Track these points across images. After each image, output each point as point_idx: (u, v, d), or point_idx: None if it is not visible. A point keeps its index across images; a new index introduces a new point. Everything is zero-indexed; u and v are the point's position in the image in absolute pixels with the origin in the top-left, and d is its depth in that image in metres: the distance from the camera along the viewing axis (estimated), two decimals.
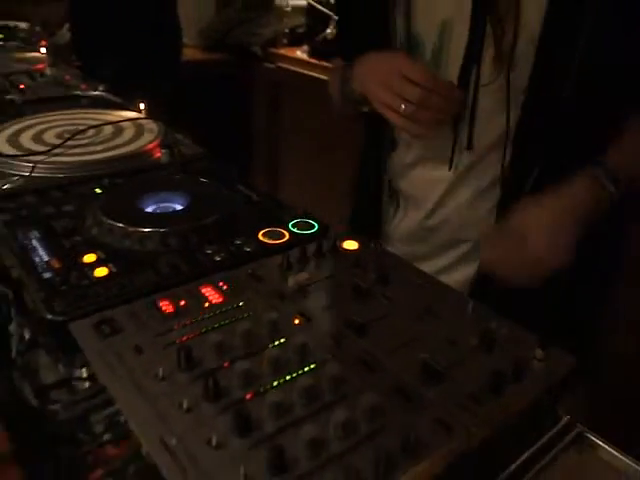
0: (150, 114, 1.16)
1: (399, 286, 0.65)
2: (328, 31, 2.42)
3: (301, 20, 2.72)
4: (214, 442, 0.44)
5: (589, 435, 0.55)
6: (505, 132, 0.86)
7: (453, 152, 0.91)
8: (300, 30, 2.72)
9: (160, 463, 0.43)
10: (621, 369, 1.39)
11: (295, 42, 2.70)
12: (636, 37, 0.76)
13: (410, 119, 0.82)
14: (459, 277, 0.98)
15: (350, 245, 0.73)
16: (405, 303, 0.62)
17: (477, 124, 0.89)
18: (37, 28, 2.57)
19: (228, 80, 2.77)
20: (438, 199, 0.97)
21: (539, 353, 0.55)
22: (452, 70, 0.88)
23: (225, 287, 0.63)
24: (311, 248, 0.70)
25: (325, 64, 2.39)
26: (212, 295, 0.62)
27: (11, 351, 0.58)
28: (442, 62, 0.89)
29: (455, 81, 0.87)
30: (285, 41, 2.72)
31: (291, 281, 0.63)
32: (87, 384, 0.57)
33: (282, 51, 2.70)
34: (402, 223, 1.05)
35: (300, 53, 2.63)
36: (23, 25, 2.58)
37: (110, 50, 2.22)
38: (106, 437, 0.49)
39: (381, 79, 0.84)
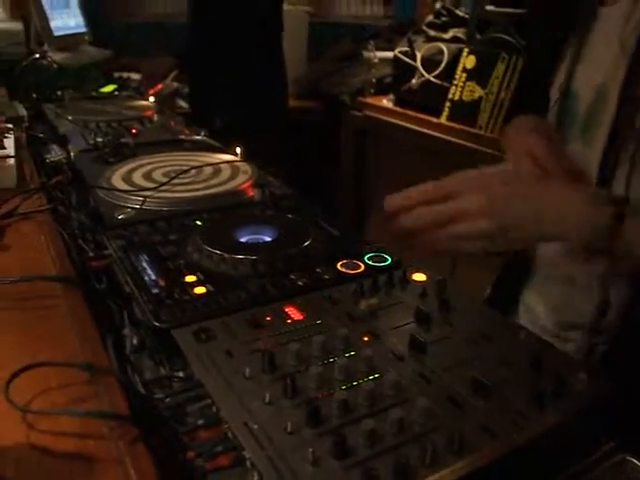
0: (245, 157, 1.29)
1: (459, 314, 0.72)
2: (413, 81, 2.53)
3: (388, 71, 2.85)
4: (289, 429, 0.53)
5: (633, 460, 0.60)
6: None
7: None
8: (387, 80, 2.85)
9: (244, 443, 0.52)
10: None
11: (382, 91, 2.83)
12: None
13: None
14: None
15: (419, 277, 0.81)
16: (463, 328, 0.69)
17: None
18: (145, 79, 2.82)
19: (319, 126, 2.93)
20: None
21: (583, 376, 0.60)
22: (598, 140, 0.83)
23: (305, 308, 0.73)
24: (383, 278, 0.79)
25: (409, 112, 2.50)
26: (294, 313, 0.71)
27: (125, 349, 0.70)
28: (592, 130, 0.84)
29: (600, 155, 0.82)
30: (372, 90, 2.85)
31: (362, 305, 0.72)
32: (185, 383, 0.67)
33: (369, 100, 2.83)
34: None
35: (386, 102, 2.76)
36: (135, 76, 2.84)
37: (223, 102, 2.40)
38: (200, 422, 0.58)
39: (514, 146, 0.84)
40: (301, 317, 0.71)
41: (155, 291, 0.78)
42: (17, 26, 2.67)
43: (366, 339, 0.67)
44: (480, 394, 0.58)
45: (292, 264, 0.83)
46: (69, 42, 2.56)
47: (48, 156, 1.41)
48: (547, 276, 0.98)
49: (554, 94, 0.91)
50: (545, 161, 0.78)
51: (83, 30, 2.76)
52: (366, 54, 2.90)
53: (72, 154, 1.38)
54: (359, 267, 0.83)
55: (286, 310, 0.72)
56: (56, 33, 2.42)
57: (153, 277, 0.82)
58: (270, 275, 0.80)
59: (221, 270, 0.82)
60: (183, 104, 2.76)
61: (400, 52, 2.65)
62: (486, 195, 0.69)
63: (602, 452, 0.61)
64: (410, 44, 2.59)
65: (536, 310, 0.99)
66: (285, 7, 2.64)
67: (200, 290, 0.77)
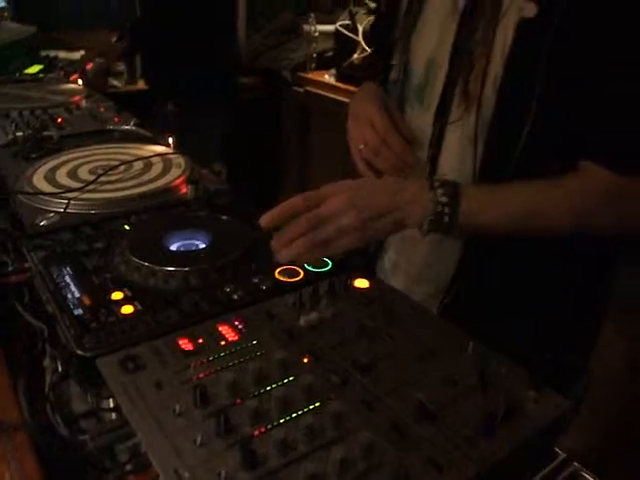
0: (177, 148, 1.22)
1: (404, 325, 0.69)
2: (355, 56, 2.47)
3: (329, 45, 2.78)
4: (223, 476, 0.49)
5: (585, 474, 0.58)
6: (472, 169, 0.88)
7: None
8: (328, 54, 2.78)
9: None
10: None
11: (323, 66, 2.76)
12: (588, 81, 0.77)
13: (363, 161, 0.93)
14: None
15: (361, 283, 0.77)
16: (408, 342, 0.66)
17: (445, 162, 0.92)
18: (80, 57, 2.67)
19: (259, 104, 2.85)
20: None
21: (532, 395, 0.58)
22: (433, 107, 0.92)
23: (241, 325, 0.68)
24: (323, 286, 0.75)
25: (351, 88, 2.45)
26: (229, 333, 0.67)
27: (45, 384, 0.64)
28: (425, 98, 0.94)
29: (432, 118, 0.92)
30: (313, 66, 2.78)
31: (302, 320, 0.68)
32: (113, 415, 0.62)
33: (310, 75, 2.76)
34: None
35: (328, 77, 2.69)
36: (63, 54, 2.69)
37: (177, 80, 2.30)
38: (128, 467, 0.54)
39: (358, 113, 0.95)
40: (236, 337, 0.66)
41: (78, 312, 0.72)
42: None
43: (306, 360, 0.63)
44: (426, 420, 0.55)
45: (227, 274, 0.78)
46: None
47: None
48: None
49: (395, 61, 0.99)
50: (381, 129, 0.90)
51: (1, 4, 2.60)
52: (306, 27, 2.82)
53: None
54: (298, 274, 0.79)
55: (220, 329, 0.67)
56: None
57: (77, 294, 0.76)
58: (203, 288, 0.75)
59: (150, 284, 0.76)
60: (116, 83, 2.63)
61: (341, 25, 2.59)
62: (347, 195, 0.77)
63: (554, 465, 0.59)
64: (351, 17, 2.52)
65: (400, 262, 1.03)
66: None
67: (127, 309, 0.71)
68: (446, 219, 0.78)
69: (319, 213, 0.76)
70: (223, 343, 0.65)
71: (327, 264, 0.80)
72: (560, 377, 0.72)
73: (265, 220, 0.77)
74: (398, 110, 0.97)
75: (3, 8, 2.61)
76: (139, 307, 0.72)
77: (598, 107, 0.78)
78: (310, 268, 0.80)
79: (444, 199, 0.78)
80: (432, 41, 0.91)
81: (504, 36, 0.81)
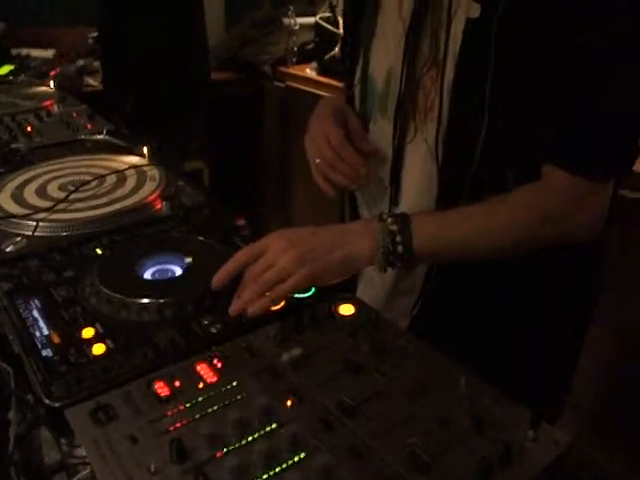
0: (153, 158, 1.17)
1: (393, 358, 0.65)
2: (336, 49, 2.42)
3: (310, 38, 2.72)
4: None
5: None
6: (434, 181, 0.86)
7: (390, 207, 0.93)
8: (309, 48, 2.72)
9: None
10: None
11: (304, 60, 2.70)
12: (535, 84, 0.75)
13: (321, 175, 0.91)
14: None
15: (347, 310, 0.73)
16: (398, 378, 0.62)
17: (407, 175, 0.90)
18: (51, 56, 2.59)
19: (239, 99, 2.78)
20: None
21: (531, 434, 0.55)
22: (390, 113, 0.90)
23: (219, 364, 0.64)
24: (307, 315, 0.71)
25: (333, 82, 2.40)
26: (207, 373, 0.63)
27: (9, 441, 0.59)
28: (388, 109, 0.91)
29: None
30: (294, 59, 2.72)
31: (285, 357, 0.64)
32: (85, 470, 0.58)
33: (291, 70, 2.70)
34: None
35: (309, 71, 2.63)
36: (36, 52, 2.61)
37: (136, 78, 2.20)
38: None
39: (314, 130, 0.94)
40: (215, 379, 0.62)
41: (47, 353, 0.67)
42: None
43: (289, 403, 0.59)
44: (419, 471, 0.51)
45: (204, 305, 0.73)
46: None
47: None
48: None
49: (356, 77, 0.97)
50: (335, 143, 0.89)
51: None
52: (286, 20, 2.75)
53: None
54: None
55: (198, 369, 0.63)
56: None
57: (45, 331, 0.71)
58: (179, 321, 0.71)
59: (123, 317, 0.72)
60: (92, 82, 2.55)
61: (321, 18, 2.53)
62: (286, 237, 0.75)
63: None
64: (332, 9, 2.47)
65: (374, 279, 1.00)
66: None
67: (99, 349, 0.67)
68: (399, 248, 0.75)
69: (260, 262, 0.74)
70: (201, 386, 0.61)
71: (310, 289, 0.76)
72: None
73: (216, 281, 0.74)
74: (360, 121, 0.95)
75: None
76: (111, 345, 0.68)
77: (550, 105, 0.75)
78: (292, 294, 0.76)
79: (394, 227, 0.75)
80: (390, 51, 0.89)
81: (453, 41, 0.79)
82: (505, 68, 0.74)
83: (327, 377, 0.62)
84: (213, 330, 0.70)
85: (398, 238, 0.75)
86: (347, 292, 0.77)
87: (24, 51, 2.60)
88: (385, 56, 0.90)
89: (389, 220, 0.76)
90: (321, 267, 0.73)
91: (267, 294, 0.72)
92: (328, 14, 2.45)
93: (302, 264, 0.72)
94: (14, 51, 2.57)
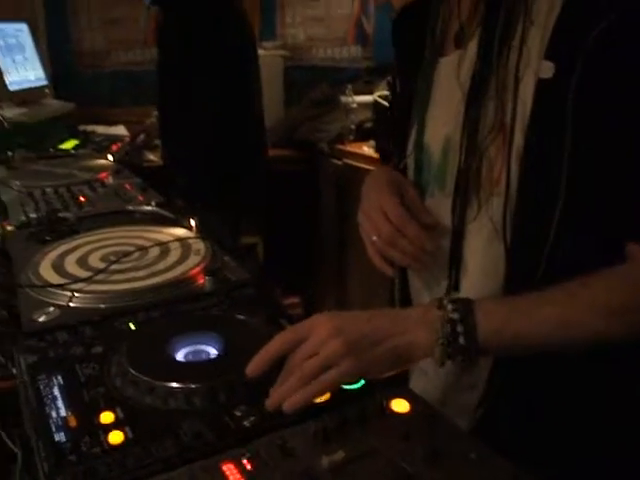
0: (200, 231, 1.12)
1: (452, 467, 0.54)
2: None
3: (367, 115, 2.71)
4: None
5: None
6: (502, 264, 0.76)
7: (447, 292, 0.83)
8: (367, 126, 2.71)
9: None
10: None
11: (362, 138, 2.69)
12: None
13: (379, 253, 0.83)
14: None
15: (400, 406, 0.63)
16: None
17: (470, 257, 0.81)
18: (114, 132, 2.66)
19: (296, 177, 2.78)
20: None
21: None
22: (449, 186, 0.82)
23: (249, 465, 0.55)
24: (353, 411, 0.61)
25: None
26: (233, 475, 0.54)
27: None
28: (447, 181, 0.83)
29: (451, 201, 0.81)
30: (352, 137, 2.71)
31: (325, 461, 0.54)
32: None
33: (349, 147, 2.69)
34: None
35: (367, 148, 2.61)
36: (100, 129, 2.69)
37: (192, 155, 2.18)
38: None
39: (368, 204, 0.86)
40: None
41: (59, 437, 0.60)
42: None
43: None
44: None
45: (238, 393, 0.65)
46: (28, 96, 2.41)
47: None
48: None
49: (410, 145, 0.91)
50: (394, 217, 0.81)
51: (44, 83, 2.62)
52: (344, 99, 2.76)
53: (7, 230, 1.21)
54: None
55: (224, 469, 0.54)
56: (12, 88, 2.28)
57: (63, 412, 0.64)
58: (209, 411, 0.63)
59: (147, 404, 0.64)
60: (152, 157, 2.60)
61: (380, 96, 2.52)
62: (333, 323, 0.66)
63: None
64: (390, 87, 2.46)
65: (429, 372, 0.89)
66: (259, 52, 2.50)
67: (116, 438, 0.59)
68: (461, 340, 0.65)
69: (303, 349, 0.65)
70: None
71: (359, 380, 0.67)
72: None
73: (251, 369, 0.66)
74: (418, 192, 0.87)
75: (45, 86, 2.63)
76: (130, 434, 0.60)
77: (638, 179, 0.66)
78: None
79: (456, 315, 0.66)
80: (447, 119, 0.82)
81: (522, 105, 0.71)
82: (584, 135, 0.66)
83: None
84: (246, 423, 0.61)
85: (460, 328, 0.65)
86: (401, 384, 0.68)
87: (90, 127, 2.68)
88: (442, 124, 0.83)
89: (449, 307, 0.66)
90: (371, 359, 0.64)
91: (308, 386, 0.63)
92: (386, 92, 2.44)
93: (350, 354, 0.63)
94: (81, 127, 2.66)
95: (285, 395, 0.62)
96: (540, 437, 0.74)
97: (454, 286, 0.83)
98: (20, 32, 2.59)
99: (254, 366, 0.65)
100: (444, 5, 0.87)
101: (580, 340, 0.67)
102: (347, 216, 2.69)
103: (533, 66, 0.70)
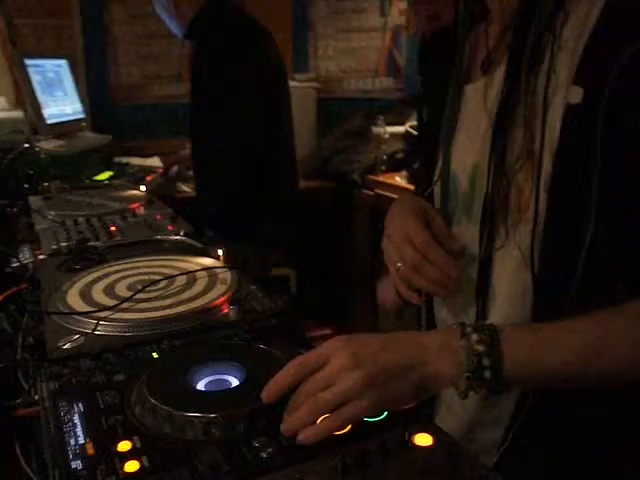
0: (227, 261, 1.12)
1: None
2: None
3: (400, 146, 2.72)
4: None
5: None
6: (528, 293, 0.74)
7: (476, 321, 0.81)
8: (398, 156, 2.71)
9: None
10: None
11: (394, 168, 2.69)
12: None
13: (404, 281, 0.81)
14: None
15: (424, 440, 0.61)
16: None
17: (497, 287, 0.79)
18: (148, 164, 2.71)
19: (329, 207, 2.78)
20: None
21: None
22: (476, 214, 0.81)
23: None
24: (375, 444, 0.60)
25: None
26: None
27: None
28: (474, 209, 0.82)
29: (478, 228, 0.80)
30: (384, 168, 2.71)
31: None
32: None
33: (380, 178, 2.69)
34: None
35: (399, 179, 2.61)
36: (135, 160, 2.74)
37: (220, 186, 2.19)
38: None
39: (393, 230, 0.85)
40: None
41: (75, 465, 0.60)
42: (19, 114, 2.59)
43: None
44: None
45: (257, 424, 0.64)
46: (65, 129, 2.48)
47: (14, 260, 1.26)
48: None
49: (437, 172, 0.91)
50: (419, 244, 0.79)
51: (81, 116, 2.69)
52: (375, 129, 2.77)
53: (38, 259, 1.23)
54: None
55: None
56: (50, 121, 2.34)
57: (81, 440, 0.64)
58: (227, 442, 0.61)
59: (164, 433, 0.63)
60: (185, 188, 2.63)
61: (411, 126, 2.53)
62: (350, 350, 0.63)
63: None
64: (418, 115, 2.46)
65: (452, 405, 0.87)
66: (292, 84, 2.52)
67: (132, 467, 0.58)
68: (487, 374, 0.63)
69: (318, 377, 0.63)
70: None
71: (381, 412, 0.65)
72: None
73: (266, 395, 0.65)
74: (444, 219, 0.86)
75: (81, 119, 2.70)
76: (146, 463, 0.59)
77: None
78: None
79: (481, 348, 0.63)
80: (474, 146, 0.81)
81: (550, 131, 0.69)
82: (614, 160, 0.64)
83: None
84: (263, 455, 0.59)
85: (486, 362, 0.63)
86: (424, 417, 0.66)
87: (125, 159, 2.74)
88: (469, 151, 0.83)
89: (474, 337, 0.64)
90: (393, 392, 0.62)
91: (324, 420, 0.61)
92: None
93: (370, 389, 0.61)
94: (116, 159, 2.72)
95: (300, 425, 0.61)
96: (565, 474, 0.71)
97: (482, 317, 0.81)
98: (59, 67, 2.68)
99: (269, 393, 0.65)
100: (471, 32, 0.87)
101: (612, 371, 0.64)
102: (379, 246, 2.68)
103: (562, 91, 0.69)
